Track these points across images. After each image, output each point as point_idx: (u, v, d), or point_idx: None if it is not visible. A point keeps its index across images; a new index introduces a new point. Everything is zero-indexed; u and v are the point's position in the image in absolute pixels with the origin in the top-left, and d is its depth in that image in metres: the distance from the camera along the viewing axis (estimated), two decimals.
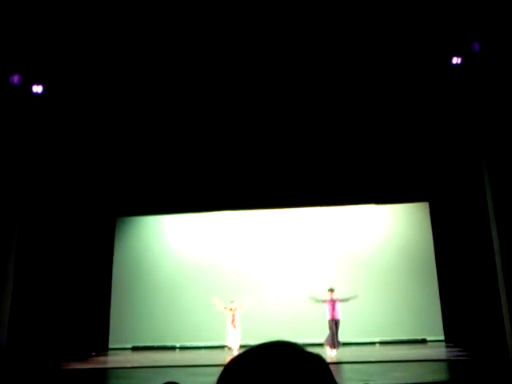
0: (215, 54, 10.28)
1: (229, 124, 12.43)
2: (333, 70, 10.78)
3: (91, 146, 13.06)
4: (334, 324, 12.10)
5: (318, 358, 0.71)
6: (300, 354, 0.70)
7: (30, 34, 9.47)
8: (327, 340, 12.08)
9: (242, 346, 13.22)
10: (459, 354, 11.92)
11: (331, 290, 12.35)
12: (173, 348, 15.71)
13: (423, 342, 14.95)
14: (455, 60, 10.10)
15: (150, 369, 11.79)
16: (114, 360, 13.69)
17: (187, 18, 9.37)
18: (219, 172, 14.06)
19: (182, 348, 15.69)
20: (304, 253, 16.32)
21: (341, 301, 12.29)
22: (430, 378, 8.18)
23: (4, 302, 10.42)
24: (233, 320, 13.18)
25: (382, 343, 14.96)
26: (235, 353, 13.22)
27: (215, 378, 0.71)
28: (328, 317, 12.17)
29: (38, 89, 10.64)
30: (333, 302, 12.21)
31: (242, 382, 0.66)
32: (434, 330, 14.98)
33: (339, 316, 12.19)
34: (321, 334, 12.60)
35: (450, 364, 10.78)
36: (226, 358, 12.17)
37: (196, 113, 12.15)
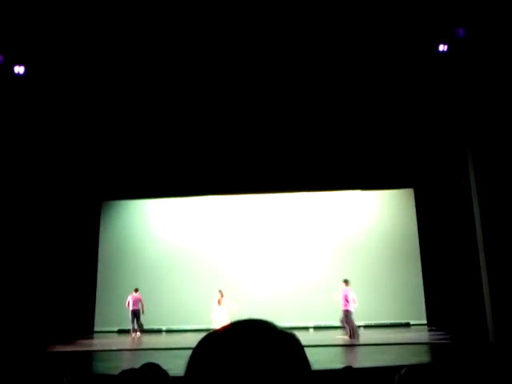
0: (205, 41, 10.16)
1: (215, 108, 12.33)
2: (319, 58, 10.73)
3: (76, 129, 12.89)
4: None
5: (291, 337, 0.71)
6: (272, 332, 0.70)
7: (13, 14, 9.25)
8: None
9: None
10: (441, 337, 12.18)
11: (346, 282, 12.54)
12: (159, 331, 15.77)
13: (407, 325, 15.20)
14: (442, 47, 10.10)
15: (135, 351, 11.86)
16: (99, 343, 13.72)
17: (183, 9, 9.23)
18: (205, 156, 14.00)
19: (168, 331, 15.76)
20: (289, 238, 16.41)
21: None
22: (412, 360, 8.33)
23: None
24: (219, 302, 13.44)
25: (366, 327, 15.16)
26: None
27: (187, 359, 0.71)
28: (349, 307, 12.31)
29: (20, 69, 10.44)
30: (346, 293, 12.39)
31: (213, 360, 0.66)
32: (417, 314, 15.23)
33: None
34: (308, 318, 12.75)
35: (432, 347, 11.01)
36: None
37: (182, 97, 12.02)
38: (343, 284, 12.56)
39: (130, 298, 14.84)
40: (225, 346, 0.67)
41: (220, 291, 13.89)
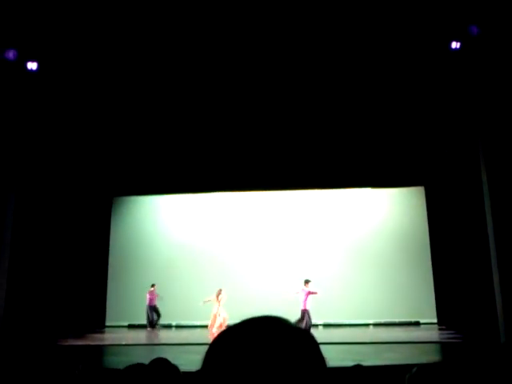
0: (205, 38, 10.16)
1: (225, 106, 12.33)
2: (331, 55, 10.67)
3: (88, 126, 12.97)
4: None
5: (306, 333, 0.72)
6: (288, 328, 0.70)
7: (25, 10, 9.32)
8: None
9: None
10: (451, 336, 12.11)
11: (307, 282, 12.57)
12: (169, 326, 15.86)
13: (416, 324, 15.14)
14: (454, 45, 10.00)
15: (145, 346, 11.93)
16: (110, 337, 13.83)
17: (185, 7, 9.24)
18: (215, 153, 14.01)
19: (178, 326, 15.85)
20: (299, 235, 16.39)
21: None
22: (422, 359, 8.29)
23: (1, 279, 10.46)
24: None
25: (375, 325, 15.13)
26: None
27: (203, 355, 0.72)
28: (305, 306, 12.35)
29: (32, 65, 10.51)
30: (308, 293, 12.39)
31: (229, 357, 0.67)
32: (428, 313, 15.16)
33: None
34: (318, 316, 12.75)
35: (442, 346, 10.95)
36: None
37: (191, 95, 12.04)
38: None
39: (150, 294, 15.08)
40: (241, 342, 0.67)
41: (220, 290, 13.94)
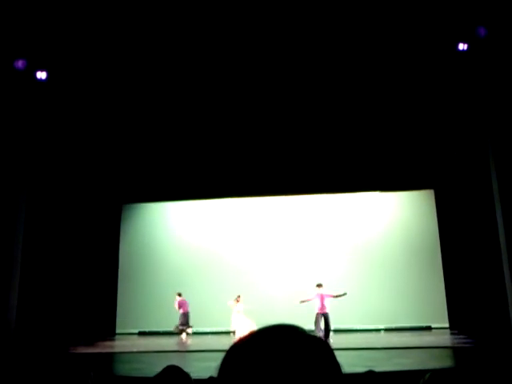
0: (212, 43, 10.22)
1: (232, 112, 12.38)
2: (339, 58, 10.69)
3: (97, 133, 13.07)
4: (323, 317, 12.25)
5: (322, 341, 0.72)
6: (303, 336, 0.70)
7: (35, 18, 9.43)
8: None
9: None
10: (464, 341, 11.97)
11: (319, 286, 12.58)
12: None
13: (428, 329, 15.00)
14: (461, 46, 9.97)
15: (155, 354, 11.93)
16: (120, 344, 13.84)
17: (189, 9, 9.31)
18: (224, 159, 14.06)
19: (188, 333, 15.81)
20: (309, 240, 16.35)
21: (333, 296, 12.49)
22: (434, 365, 8.22)
23: (12, 287, 10.52)
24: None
25: (386, 330, 15.02)
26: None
27: (218, 363, 0.72)
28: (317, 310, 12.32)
29: (42, 75, 10.63)
30: (322, 297, 12.34)
31: (246, 365, 0.67)
32: (439, 317, 15.02)
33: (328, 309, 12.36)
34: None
35: (455, 351, 10.82)
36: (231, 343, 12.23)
37: (199, 103, 12.12)
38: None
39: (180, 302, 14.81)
40: (257, 351, 0.67)
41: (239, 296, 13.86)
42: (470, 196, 12.15)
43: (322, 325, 12.37)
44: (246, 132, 13.11)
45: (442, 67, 10.74)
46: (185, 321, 14.66)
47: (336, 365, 0.70)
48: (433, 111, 12.17)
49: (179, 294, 14.75)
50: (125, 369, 9.18)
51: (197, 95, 11.89)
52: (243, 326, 13.33)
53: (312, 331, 0.72)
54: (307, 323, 12.71)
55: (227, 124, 12.84)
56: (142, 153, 13.92)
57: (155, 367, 2.42)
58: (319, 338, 0.72)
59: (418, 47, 10.28)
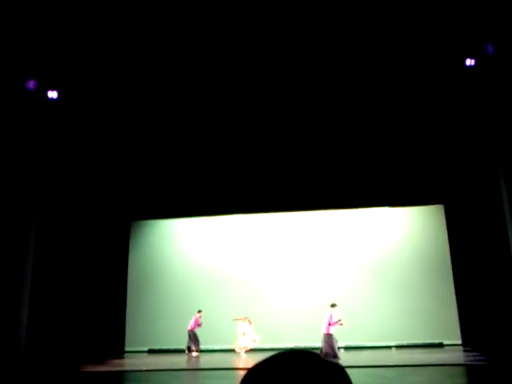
0: (225, 61, 10.33)
1: (241, 129, 12.47)
2: (348, 72, 10.75)
3: (107, 151, 13.20)
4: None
5: (339, 367, 0.72)
6: (320, 362, 0.71)
7: (45, 40, 9.61)
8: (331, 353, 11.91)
9: (253, 350, 13.48)
10: (477, 358, 11.77)
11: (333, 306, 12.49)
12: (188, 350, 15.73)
13: (440, 346, 14.79)
14: (469, 62, 10.00)
15: (165, 372, 11.85)
16: (130, 363, 13.77)
17: (194, 25, 9.43)
18: (232, 176, 14.10)
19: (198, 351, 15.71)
20: (319, 256, 16.27)
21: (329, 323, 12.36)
22: (447, 383, 8.09)
23: (22, 305, 10.55)
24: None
25: (398, 347, 14.83)
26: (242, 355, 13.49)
27: (227, 382, 0.72)
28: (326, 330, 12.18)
29: (53, 94, 10.79)
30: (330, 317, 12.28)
31: None
32: (451, 334, 14.80)
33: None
34: (338, 339, 12.54)
35: (468, 368, 10.64)
36: (239, 361, 12.20)
37: (206, 123, 12.27)
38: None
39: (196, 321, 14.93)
40: (276, 377, 0.68)
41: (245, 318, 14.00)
42: (481, 211, 12.06)
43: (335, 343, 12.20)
44: (256, 149, 13.17)
45: (449, 82, 10.76)
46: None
47: None
48: (443, 127, 12.17)
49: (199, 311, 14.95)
50: None
51: (202, 118, 12.04)
52: (244, 346, 13.39)
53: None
54: (317, 339, 12.60)
55: (235, 140, 12.91)
56: (151, 171, 14.03)
57: None
58: (336, 364, 0.72)
59: (427, 63, 10.32)
